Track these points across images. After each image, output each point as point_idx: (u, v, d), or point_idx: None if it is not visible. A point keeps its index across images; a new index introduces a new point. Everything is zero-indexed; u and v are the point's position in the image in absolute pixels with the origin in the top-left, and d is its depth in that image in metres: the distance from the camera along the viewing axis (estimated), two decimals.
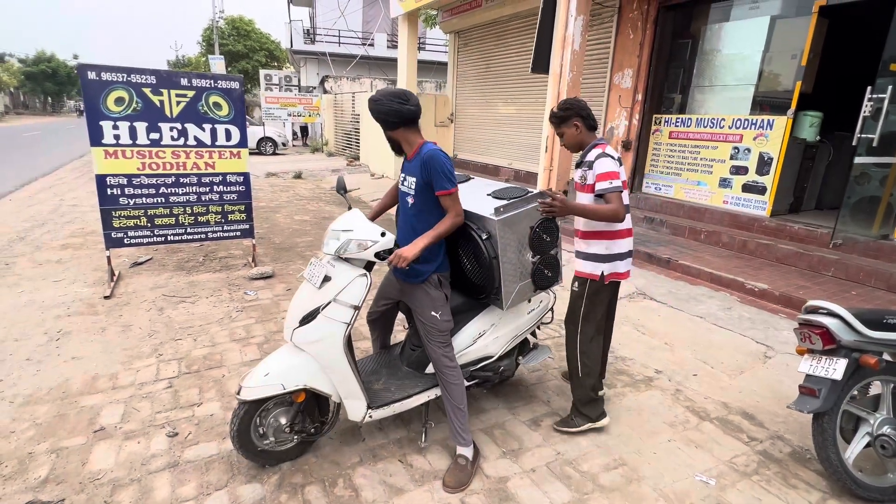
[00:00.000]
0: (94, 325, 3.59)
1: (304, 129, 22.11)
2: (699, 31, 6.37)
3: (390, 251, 2.05)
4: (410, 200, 2.21)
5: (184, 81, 4.33)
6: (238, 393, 2.04)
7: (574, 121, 2.37)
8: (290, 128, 21.76)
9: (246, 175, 4.79)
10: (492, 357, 2.51)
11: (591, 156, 2.33)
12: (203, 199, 4.64)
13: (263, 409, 2.14)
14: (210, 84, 4.43)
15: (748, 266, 4.88)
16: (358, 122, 14.32)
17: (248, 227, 4.90)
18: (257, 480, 2.13)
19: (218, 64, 24.68)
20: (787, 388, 3.00)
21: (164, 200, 4.48)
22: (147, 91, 4.19)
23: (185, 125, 4.41)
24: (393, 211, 2.50)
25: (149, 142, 4.29)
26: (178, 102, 4.34)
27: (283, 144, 18.09)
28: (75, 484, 2.07)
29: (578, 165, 2.43)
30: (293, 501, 2.03)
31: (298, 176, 11.76)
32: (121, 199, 4.30)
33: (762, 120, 5.58)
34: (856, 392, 2.22)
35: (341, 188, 2.42)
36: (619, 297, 4.45)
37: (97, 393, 2.74)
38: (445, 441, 2.43)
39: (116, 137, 4.16)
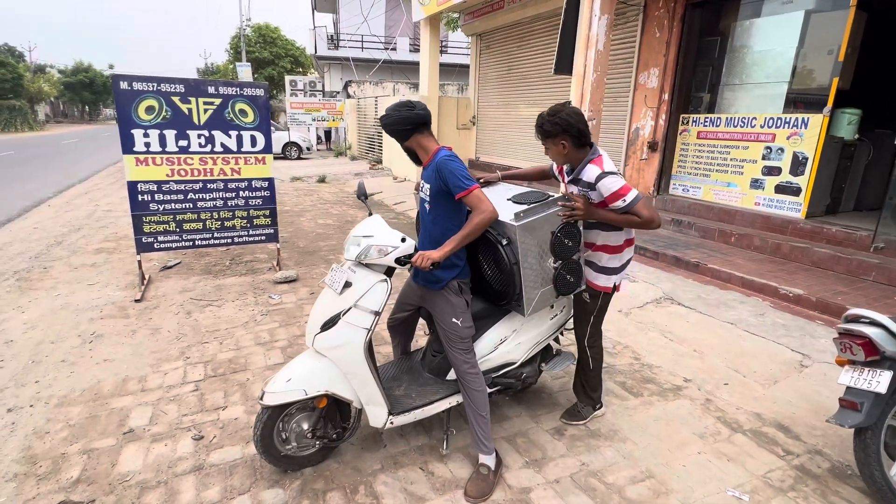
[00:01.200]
0: (126, 327, 3.69)
1: (328, 134, 22.43)
2: (728, 28, 6.19)
3: (410, 256, 2.04)
4: (427, 207, 2.22)
5: (211, 90, 4.43)
6: (261, 398, 2.06)
7: (561, 139, 2.20)
8: (314, 132, 22.15)
9: (270, 180, 4.87)
10: (514, 363, 2.47)
11: (587, 175, 2.20)
12: (229, 204, 4.73)
13: (286, 415, 2.15)
14: (236, 92, 4.52)
15: (782, 270, 4.70)
16: (380, 126, 14.42)
17: (272, 231, 4.98)
18: (279, 485, 2.14)
19: (245, 71, 25.31)
20: (826, 400, 2.87)
21: (192, 206, 4.58)
22: (176, 99, 4.30)
23: (213, 132, 4.50)
24: (414, 214, 2.50)
25: (177, 149, 4.40)
26: (206, 110, 4.44)
27: (308, 149, 18.37)
28: (105, 485, 2.12)
29: (573, 181, 2.32)
30: None
31: (322, 180, 11.91)
32: (151, 204, 4.42)
33: (796, 118, 5.38)
34: None
35: (362, 194, 2.43)
36: (647, 301, 4.40)
37: (127, 395, 2.81)
38: (467, 449, 2.40)
39: (147, 145, 4.28)
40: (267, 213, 4.91)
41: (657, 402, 2.88)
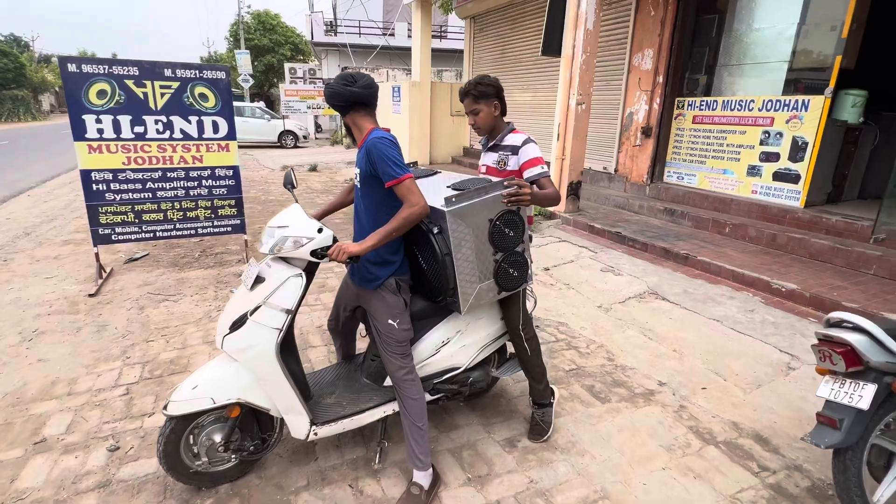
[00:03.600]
0: (72, 324, 3.50)
1: (317, 123, 22.13)
2: (726, 6, 5.83)
3: (328, 249, 1.81)
4: (359, 194, 2.00)
5: (168, 72, 4.18)
6: (165, 408, 1.85)
7: (494, 101, 2.26)
8: (312, 120, 21.85)
9: (235, 168, 4.63)
10: (458, 368, 2.24)
11: (512, 140, 2.25)
12: (191, 193, 4.51)
13: (196, 426, 1.94)
14: (195, 74, 4.26)
15: (776, 263, 4.41)
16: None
17: (238, 222, 4.76)
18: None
19: (244, 59, 24.93)
20: (812, 407, 2.61)
21: (151, 195, 4.37)
22: (130, 83, 4.06)
23: (171, 118, 4.27)
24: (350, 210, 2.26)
25: (133, 135, 4.17)
26: (163, 94, 4.20)
27: (305, 137, 18.11)
28: None
29: (492, 149, 2.35)
30: None
31: (314, 168, 11.67)
32: (107, 194, 4.21)
33: (796, 101, 5.04)
34: (890, 421, 1.85)
35: (288, 183, 2.19)
36: (629, 296, 4.14)
37: (51, 399, 2.61)
38: (405, 463, 2.18)
39: (100, 131, 4.06)
40: (233, 202, 4.69)
41: (625, 408, 2.64)
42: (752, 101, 5.43)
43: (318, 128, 22.93)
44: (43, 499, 1.95)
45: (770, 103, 5.26)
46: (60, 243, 5.44)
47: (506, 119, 2.37)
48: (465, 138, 11.47)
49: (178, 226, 4.53)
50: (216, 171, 4.55)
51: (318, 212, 2.26)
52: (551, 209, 6.45)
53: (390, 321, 1.97)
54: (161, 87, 4.17)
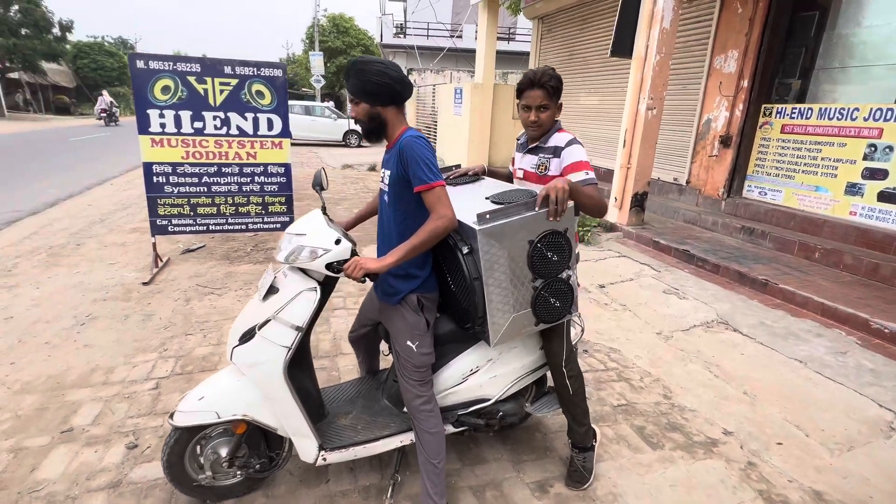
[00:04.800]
0: (122, 312, 3.61)
1: None
2: (829, 1, 5.14)
3: (345, 262, 1.65)
4: (386, 199, 1.81)
5: (227, 69, 4.26)
6: (171, 417, 1.76)
7: (560, 101, 1.97)
8: None
9: (287, 166, 4.66)
10: (488, 400, 2.01)
11: (557, 140, 1.95)
12: (244, 189, 4.58)
13: (203, 437, 1.85)
14: (253, 72, 4.32)
15: (878, 298, 3.79)
16: (437, 114, 14.09)
17: (288, 219, 4.78)
18: None
19: (317, 60, 25.92)
20: None
21: (206, 189, 4.47)
22: (192, 79, 4.17)
23: (228, 114, 4.35)
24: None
25: (193, 130, 4.29)
26: (222, 91, 4.28)
27: None
28: (14, 493, 1.93)
29: (532, 151, 2.05)
30: None
31: (373, 168, 11.80)
32: (166, 186, 4.36)
33: None
34: None
35: (317, 184, 2.06)
36: (694, 324, 3.70)
37: (87, 387, 2.66)
38: (419, 497, 1.98)
39: (162, 126, 4.20)
40: (283, 199, 4.72)
41: (681, 459, 2.29)
42: (857, 109, 4.74)
43: None
44: (55, 493, 1.94)
45: (879, 112, 4.56)
46: (129, 231, 5.75)
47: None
48: None
49: (229, 220, 4.62)
50: (268, 167, 4.59)
51: (349, 219, 2.12)
52: (612, 220, 6.01)
53: (409, 343, 1.78)
54: (220, 83, 4.26)
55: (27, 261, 4.61)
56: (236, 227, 4.66)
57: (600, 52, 8.30)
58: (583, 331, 2.25)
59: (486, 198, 1.81)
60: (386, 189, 1.81)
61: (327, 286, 1.85)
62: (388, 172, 1.78)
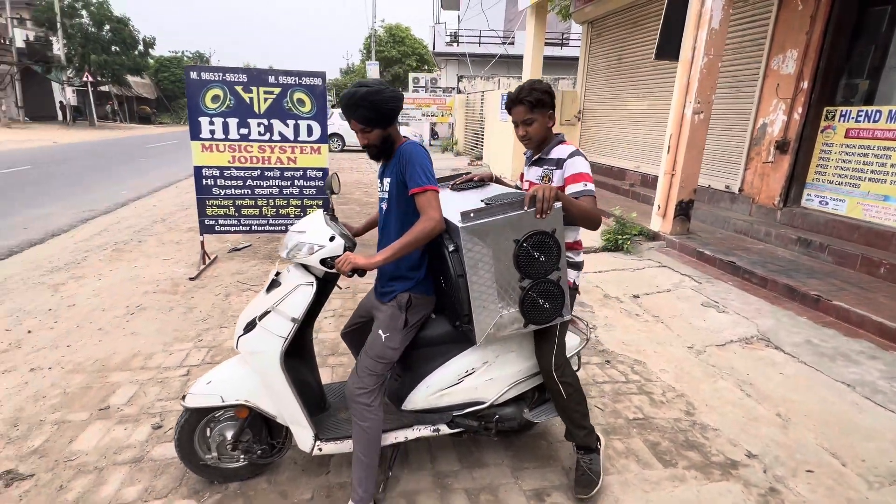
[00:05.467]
0: (168, 303, 3.90)
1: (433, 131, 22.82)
2: None
3: (337, 258, 1.73)
4: (385, 206, 1.91)
5: (271, 79, 4.52)
6: (183, 398, 1.90)
7: (549, 110, 1.97)
8: (428, 128, 22.65)
9: (325, 170, 4.85)
10: (483, 403, 2.01)
11: (559, 152, 1.95)
12: (284, 192, 4.82)
13: (211, 419, 1.97)
14: (295, 81, 4.55)
15: None
16: (484, 120, 14.14)
17: None
18: (196, 497, 1.97)
19: (373, 69, 26.81)
20: None
21: (250, 192, 4.75)
22: (239, 89, 4.46)
23: (272, 121, 4.60)
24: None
25: (239, 136, 4.57)
26: (266, 99, 4.54)
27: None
28: (52, 461, 2.14)
29: (536, 163, 2.06)
30: None
31: None
32: (213, 189, 4.67)
33: None
34: None
35: (328, 188, 2.15)
36: (731, 339, 3.50)
37: (126, 370, 2.90)
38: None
39: (212, 132, 4.51)
40: (320, 202, 4.91)
41: (693, 479, 2.17)
42: None
43: (434, 135, 23.74)
44: (86, 463, 2.13)
45: None
46: (185, 230, 6.20)
47: (555, 130, 2.07)
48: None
49: (270, 221, 4.87)
50: (307, 172, 4.80)
51: (359, 226, 2.21)
52: (655, 229, 5.79)
53: (380, 331, 1.85)
54: (265, 92, 4.52)
55: (95, 255, 5.08)
56: (277, 227, 4.90)
57: (650, 55, 8.03)
58: (587, 339, 2.19)
59: (482, 200, 1.83)
60: (386, 196, 1.89)
61: (329, 283, 1.93)
62: (388, 180, 1.86)
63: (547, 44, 21.59)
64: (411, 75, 22.55)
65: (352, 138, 17.80)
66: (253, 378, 1.88)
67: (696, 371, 3.10)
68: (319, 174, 4.84)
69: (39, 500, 1.93)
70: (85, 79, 26.72)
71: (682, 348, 3.40)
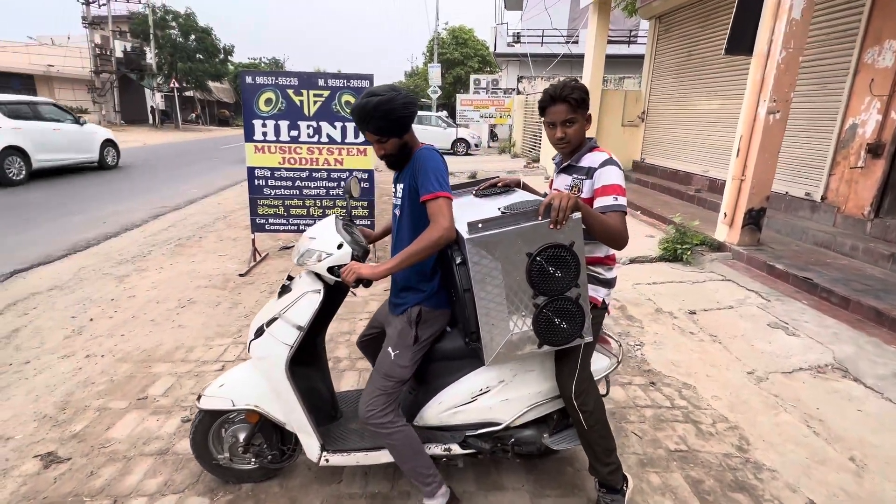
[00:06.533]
0: (216, 298, 4.07)
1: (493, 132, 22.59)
2: None
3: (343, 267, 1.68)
4: (398, 213, 1.84)
5: (321, 82, 4.60)
6: (198, 399, 1.93)
7: (588, 112, 1.79)
8: (486, 129, 22.50)
9: (370, 172, 4.88)
10: (498, 424, 1.88)
11: (590, 160, 1.76)
12: (331, 193, 4.90)
13: (226, 420, 1.99)
14: (343, 84, 4.61)
15: None
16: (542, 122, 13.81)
17: (369, 223, 5.00)
18: (210, 495, 1.99)
19: (434, 72, 27.03)
20: None
21: (298, 192, 4.87)
22: (290, 92, 4.58)
23: (320, 123, 4.69)
24: None
25: (289, 138, 4.70)
26: (316, 102, 4.64)
27: (476, 146, 18.73)
28: (88, 447, 2.26)
29: (565, 170, 1.87)
30: None
31: (473, 176, 11.90)
32: (265, 189, 4.83)
33: None
34: None
35: (346, 192, 2.11)
36: (801, 367, 3.12)
37: (168, 362, 3.03)
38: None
39: (264, 134, 4.67)
40: (365, 204, 4.95)
41: None
42: None
43: (493, 136, 23.57)
44: (117, 451, 2.23)
45: None
46: (243, 227, 6.48)
47: (589, 134, 1.89)
48: (637, 151, 10.38)
49: (317, 222, 4.96)
50: (353, 173, 4.85)
51: (380, 229, 2.16)
52: (720, 239, 5.33)
53: (389, 349, 1.78)
54: (314, 95, 4.61)
55: (159, 249, 5.43)
56: None
57: (721, 50, 7.44)
58: (618, 361, 2.00)
59: (499, 208, 1.70)
60: (399, 203, 1.82)
61: (340, 291, 1.89)
62: (401, 186, 1.79)
63: (613, 41, 20.79)
64: (472, 77, 22.53)
65: None
66: (263, 383, 1.87)
67: (755, 401, 2.78)
68: (365, 175, 4.87)
69: (70, 484, 2.03)
70: (172, 85, 29.01)
71: (741, 373, 3.06)
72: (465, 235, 1.49)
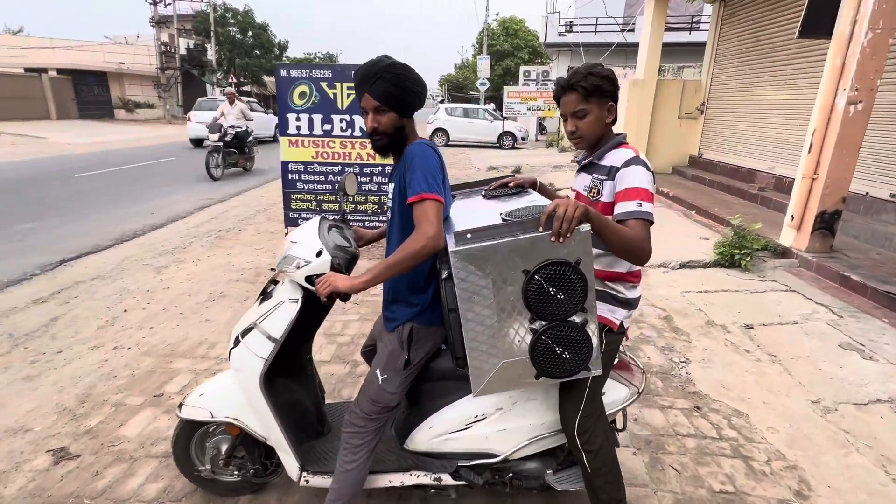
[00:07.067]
0: (245, 292, 4.07)
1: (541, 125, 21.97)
2: None
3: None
4: (390, 215, 1.65)
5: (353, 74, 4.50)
6: (179, 407, 1.84)
7: (609, 102, 1.54)
8: (535, 122, 21.91)
9: None
10: (495, 456, 1.67)
11: (613, 158, 1.51)
12: (363, 188, 4.81)
13: (206, 430, 1.90)
14: None
15: None
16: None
17: (385, 221, 4.87)
18: None
19: (483, 63, 26.65)
20: None
21: (331, 187, 4.82)
22: (324, 85, 4.51)
23: (353, 116, 4.61)
24: None
25: (322, 132, 4.65)
26: (349, 95, 4.55)
27: (523, 139, 18.27)
28: (98, 444, 2.25)
29: (586, 168, 1.63)
30: None
31: (518, 171, 11.57)
32: (298, 183, 4.81)
33: None
34: None
35: (341, 189, 1.95)
36: (878, 398, 2.71)
37: (189, 358, 3.02)
38: None
39: (298, 128, 4.63)
40: (377, 200, 4.83)
41: None
42: None
43: (541, 129, 22.95)
44: (124, 451, 2.21)
45: None
46: (281, 221, 6.54)
47: (616, 129, 1.62)
48: (694, 145, 9.70)
49: (348, 217, 4.89)
50: (386, 168, 4.74)
51: (374, 232, 1.99)
52: (786, 244, 4.82)
53: (377, 371, 1.60)
54: (348, 87, 4.52)
55: (199, 241, 5.56)
56: (354, 223, 4.91)
57: (793, 34, 6.74)
58: (639, 393, 1.73)
59: (501, 213, 1.47)
60: (391, 204, 1.63)
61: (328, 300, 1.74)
62: (392, 185, 1.60)
63: (672, 28, 19.65)
64: (522, 68, 21.97)
65: (457, 133, 17.85)
66: (242, 395, 1.75)
67: (820, 436, 2.41)
68: None
69: (75, 484, 2.02)
70: (230, 80, 30.25)
71: (804, 402, 2.69)
72: (450, 247, 1.28)
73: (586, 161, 1.62)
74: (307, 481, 1.73)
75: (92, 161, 11.78)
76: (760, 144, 7.67)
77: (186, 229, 6.08)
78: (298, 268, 1.58)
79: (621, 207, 1.40)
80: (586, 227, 1.23)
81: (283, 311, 1.63)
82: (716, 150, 9.05)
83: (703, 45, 9.90)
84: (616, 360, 1.69)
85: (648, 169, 1.45)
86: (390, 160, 1.66)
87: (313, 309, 1.70)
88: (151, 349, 3.13)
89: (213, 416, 1.76)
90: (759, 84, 7.70)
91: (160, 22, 28.22)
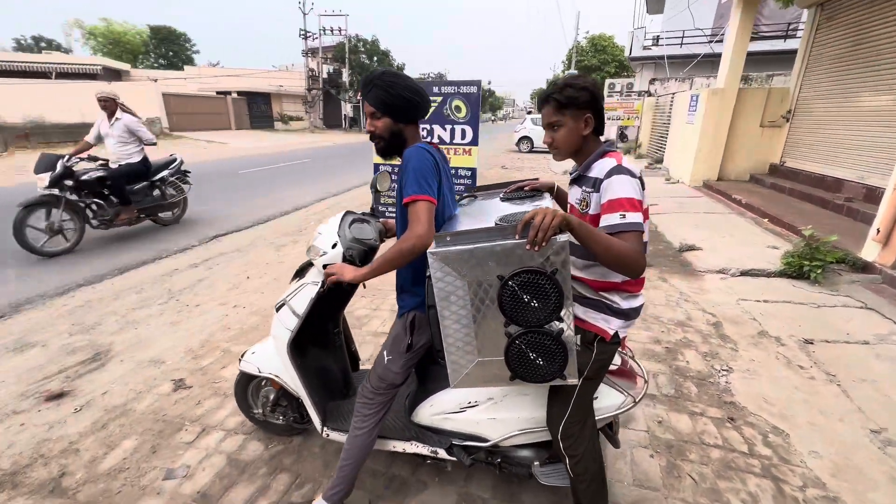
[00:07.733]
0: None
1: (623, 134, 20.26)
2: None
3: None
4: (397, 215, 1.57)
5: (435, 89, 4.44)
6: (239, 360, 1.95)
7: (586, 113, 1.31)
8: (615, 131, 20.32)
9: (473, 170, 4.62)
10: (485, 441, 1.55)
11: (598, 169, 1.28)
12: None
13: (259, 381, 1.99)
14: (454, 90, 4.40)
15: None
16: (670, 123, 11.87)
17: None
18: (265, 442, 2.02)
19: None
20: None
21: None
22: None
23: (433, 126, 4.55)
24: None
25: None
26: (431, 107, 4.50)
27: None
28: (205, 380, 2.48)
29: (577, 181, 1.38)
30: (260, 480, 1.82)
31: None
32: None
33: None
34: None
35: (373, 186, 1.89)
36: (874, 429, 2.10)
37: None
38: None
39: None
40: (471, 197, 4.72)
41: None
42: None
43: (622, 138, 21.26)
44: (221, 388, 2.41)
45: None
46: None
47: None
48: (776, 153, 8.28)
49: (382, 209, 4.89)
50: (459, 171, 4.64)
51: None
52: (869, 258, 3.92)
53: (384, 352, 1.54)
54: (431, 101, 4.47)
55: (314, 226, 5.94)
56: (391, 217, 4.91)
57: None
58: (635, 401, 1.46)
59: (498, 217, 1.31)
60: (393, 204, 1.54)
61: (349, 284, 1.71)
62: (397, 186, 1.51)
63: (766, 37, 16.97)
64: (607, 81, 20.43)
65: (540, 141, 17.15)
66: (279, 357, 1.80)
67: (873, 470, 1.91)
68: (469, 173, 4.63)
69: (182, 407, 2.25)
70: (358, 97, 32.07)
71: (860, 429, 2.15)
72: (430, 248, 1.16)
73: (576, 174, 1.38)
74: (328, 435, 1.76)
75: (252, 161, 13.20)
76: (851, 153, 6.31)
77: (306, 216, 6.54)
78: (320, 255, 1.57)
79: (605, 220, 1.19)
80: (564, 237, 1.05)
81: (306, 291, 1.65)
82: (800, 158, 7.64)
83: (795, 52, 8.35)
84: (617, 367, 1.46)
85: (633, 175, 1.21)
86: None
87: (338, 292, 1.68)
88: (259, 310, 3.40)
89: (259, 372, 1.85)
90: (856, 90, 6.31)
91: (309, 52, 30.66)
